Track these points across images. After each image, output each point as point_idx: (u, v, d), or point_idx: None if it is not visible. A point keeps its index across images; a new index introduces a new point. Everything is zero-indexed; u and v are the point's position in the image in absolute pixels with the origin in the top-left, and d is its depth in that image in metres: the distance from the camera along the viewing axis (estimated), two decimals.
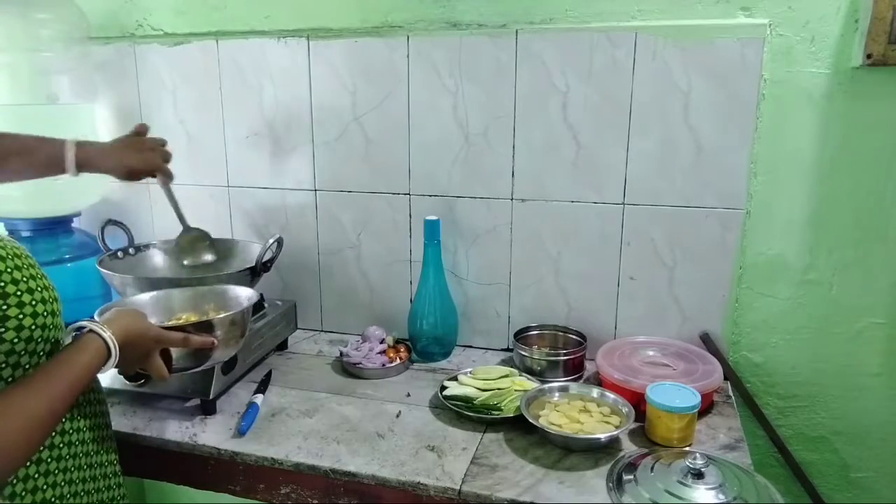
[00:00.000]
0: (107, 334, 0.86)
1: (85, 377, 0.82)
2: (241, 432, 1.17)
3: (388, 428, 1.20)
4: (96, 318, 0.93)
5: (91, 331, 0.87)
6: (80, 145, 1.14)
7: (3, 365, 0.77)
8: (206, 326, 1.09)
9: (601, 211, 1.41)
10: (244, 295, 1.22)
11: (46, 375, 0.77)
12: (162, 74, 1.64)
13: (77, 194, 1.61)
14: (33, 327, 0.79)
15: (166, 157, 1.27)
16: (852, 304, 1.35)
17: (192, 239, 1.41)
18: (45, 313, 0.81)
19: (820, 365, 1.39)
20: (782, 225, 1.35)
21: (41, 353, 0.82)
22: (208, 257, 1.43)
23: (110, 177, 1.21)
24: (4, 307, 0.76)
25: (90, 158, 1.15)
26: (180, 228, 1.39)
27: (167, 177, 1.28)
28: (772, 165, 1.32)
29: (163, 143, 1.28)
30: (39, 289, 0.81)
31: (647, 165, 1.37)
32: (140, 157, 1.23)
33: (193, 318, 1.20)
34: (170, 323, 1.16)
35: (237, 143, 1.62)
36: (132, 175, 1.22)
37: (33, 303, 0.79)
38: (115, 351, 0.86)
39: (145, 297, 1.22)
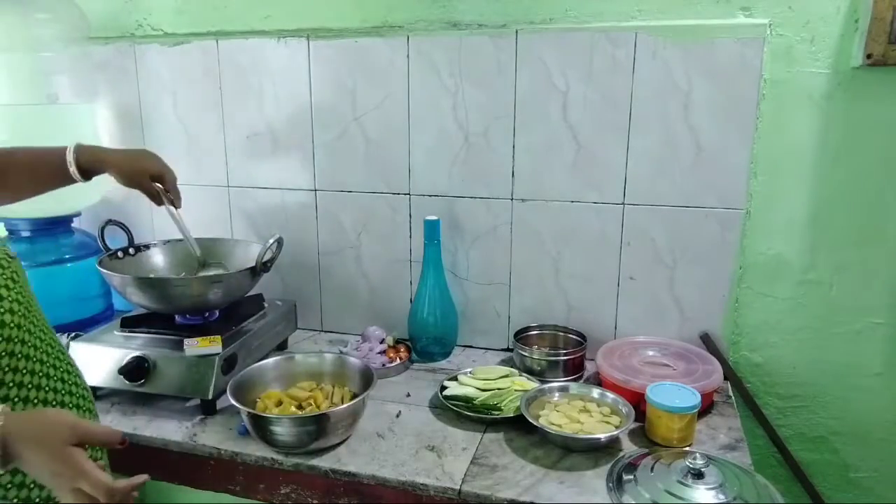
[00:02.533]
0: None
1: None
2: (240, 432, 1.17)
3: (388, 428, 1.20)
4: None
5: None
6: (80, 148, 1.11)
7: None
8: (322, 419, 1.09)
9: (601, 211, 1.41)
10: (361, 370, 1.24)
11: None
12: (162, 74, 1.64)
13: (77, 194, 1.59)
14: None
15: (168, 186, 1.23)
16: (852, 304, 1.35)
17: (210, 268, 1.40)
18: (13, 325, 0.78)
19: (820, 365, 1.39)
20: (782, 225, 1.35)
21: (5, 369, 0.80)
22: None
23: (112, 179, 1.19)
24: None
25: (93, 160, 1.12)
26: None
27: (175, 196, 1.24)
28: (772, 165, 1.32)
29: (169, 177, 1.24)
30: (10, 299, 0.78)
31: (647, 165, 1.37)
32: (146, 159, 1.21)
33: (308, 388, 1.23)
34: (277, 407, 1.18)
35: (237, 143, 1.62)
36: (136, 174, 1.18)
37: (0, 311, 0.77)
38: None
39: (269, 362, 1.26)
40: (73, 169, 1.09)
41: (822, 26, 1.24)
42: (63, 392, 0.92)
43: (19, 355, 0.84)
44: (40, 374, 0.88)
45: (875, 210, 1.30)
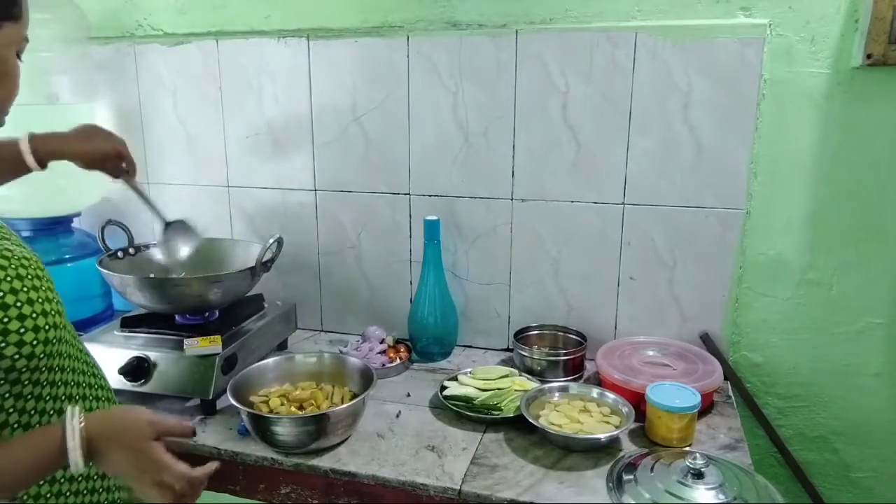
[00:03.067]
0: (75, 420, 0.74)
1: (30, 473, 0.73)
2: (240, 432, 1.17)
3: (388, 428, 1.20)
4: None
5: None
6: (35, 137, 1.07)
7: (2, 381, 0.75)
8: (323, 419, 1.09)
9: (601, 211, 1.41)
10: (361, 370, 1.24)
11: None
12: (162, 74, 1.64)
13: (77, 194, 1.61)
14: (35, 342, 0.76)
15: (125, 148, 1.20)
16: (852, 304, 1.35)
17: (177, 229, 1.35)
18: (47, 326, 0.78)
19: (820, 365, 1.39)
20: (782, 225, 1.35)
21: (43, 369, 0.80)
22: (192, 243, 1.37)
23: (108, 179, 1.18)
24: (6, 320, 0.73)
25: (50, 148, 1.09)
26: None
27: (131, 166, 1.20)
28: (772, 165, 1.32)
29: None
30: (41, 300, 0.78)
31: (647, 165, 1.37)
32: (103, 140, 1.16)
33: (308, 390, 1.23)
34: (282, 405, 1.18)
35: (237, 143, 1.62)
36: (96, 159, 1.15)
37: (34, 315, 0.76)
38: (75, 440, 0.73)
39: (269, 362, 1.26)
40: (29, 159, 1.06)
41: (822, 26, 1.24)
42: (91, 398, 0.92)
43: (56, 368, 0.84)
44: (72, 383, 0.88)
45: (875, 210, 1.30)
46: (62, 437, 0.73)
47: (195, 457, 1.15)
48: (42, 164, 1.08)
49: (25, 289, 0.77)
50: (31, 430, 0.79)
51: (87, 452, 0.74)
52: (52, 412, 0.83)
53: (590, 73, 1.35)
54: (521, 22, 1.39)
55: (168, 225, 1.34)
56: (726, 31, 1.26)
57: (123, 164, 1.19)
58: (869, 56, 1.19)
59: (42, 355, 0.78)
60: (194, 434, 0.88)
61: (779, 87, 1.29)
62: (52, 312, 0.80)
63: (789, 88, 1.28)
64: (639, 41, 1.31)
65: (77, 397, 0.89)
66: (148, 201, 1.28)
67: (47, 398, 0.82)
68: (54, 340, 0.80)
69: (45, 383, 0.82)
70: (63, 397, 0.85)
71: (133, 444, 0.78)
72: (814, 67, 1.26)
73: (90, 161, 1.14)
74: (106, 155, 1.16)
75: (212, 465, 0.86)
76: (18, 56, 0.83)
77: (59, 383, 0.84)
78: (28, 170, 1.08)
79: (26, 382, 0.78)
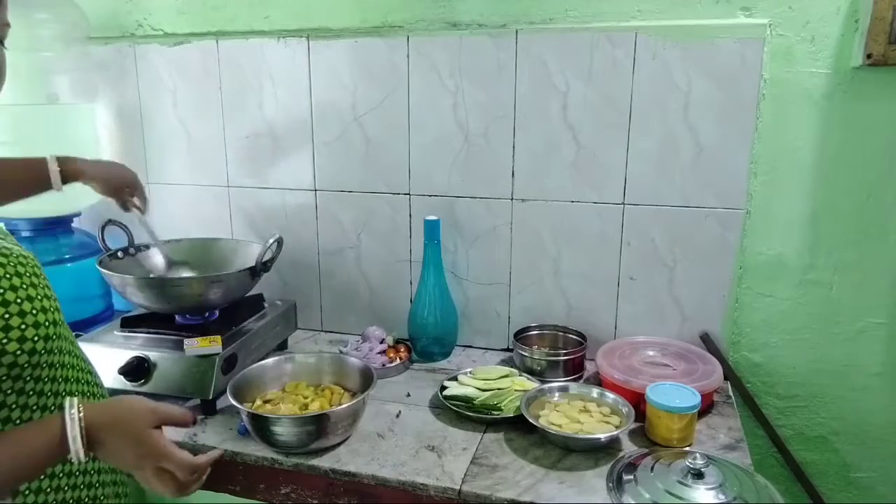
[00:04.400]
0: (73, 411, 0.74)
1: (30, 465, 0.73)
2: (240, 432, 1.17)
3: (388, 428, 1.20)
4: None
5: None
6: (59, 159, 1.18)
7: (4, 377, 0.75)
8: (323, 419, 1.09)
9: (601, 211, 1.41)
10: (361, 370, 1.24)
11: None
12: (162, 74, 1.64)
13: (77, 194, 1.60)
14: (35, 338, 0.76)
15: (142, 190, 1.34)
16: (852, 304, 1.35)
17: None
18: (47, 323, 0.78)
19: (820, 365, 1.39)
20: (782, 225, 1.35)
21: (44, 365, 0.80)
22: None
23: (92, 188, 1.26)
24: (6, 315, 0.73)
25: (73, 169, 1.20)
26: (179, 229, 1.40)
27: (142, 201, 1.34)
28: (772, 165, 1.32)
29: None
30: (40, 297, 0.78)
31: (647, 165, 1.37)
32: (121, 168, 1.31)
33: (307, 387, 1.24)
34: (283, 405, 1.18)
35: (237, 143, 1.62)
36: (113, 185, 1.28)
37: (34, 311, 0.76)
38: (74, 431, 0.73)
39: (269, 362, 1.27)
40: (56, 178, 1.17)
41: (822, 26, 1.24)
42: (88, 394, 0.92)
43: (56, 364, 0.84)
44: (71, 380, 0.88)
45: (875, 210, 1.30)
46: (62, 427, 0.73)
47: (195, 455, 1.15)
48: (62, 184, 1.19)
49: (24, 286, 0.77)
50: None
51: (87, 442, 0.74)
52: (53, 407, 0.83)
53: (590, 73, 1.35)
54: (521, 22, 1.39)
55: (171, 265, 1.44)
56: (726, 31, 1.26)
57: (135, 200, 1.33)
58: (869, 56, 1.19)
59: (43, 351, 0.78)
60: (195, 422, 0.88)
61: (779, 87, 1.29)
62: (51, 309, 0.80)
63: (789, 88, 1.28)
64: (639, 41, 1.31)
65: (76, 393, 0.89)
66: (154, 239, 1.41)
67: (49, 394, 0.83)
68: (54, 336, 0.80)
69: (46, 379, 0.82)
70: (63, 393, 0.85)
71: (133, 433, 0.78)
72: (814, 67, 1.26)
73: (107, 185, 1.27)
74: (124, 181, 1.30)
75: (215, 453, 0.87)
76: (2, 43, 0.83)
77: (60, 379, 0.85)
78: (48, 188, 1.17)
79: (28, 378, 0.79)
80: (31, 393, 0.81)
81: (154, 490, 0.81)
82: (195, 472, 0.82)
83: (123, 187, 1.30)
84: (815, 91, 1.27)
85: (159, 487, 0.80)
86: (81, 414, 0.74)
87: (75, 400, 0.76)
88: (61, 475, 0.84)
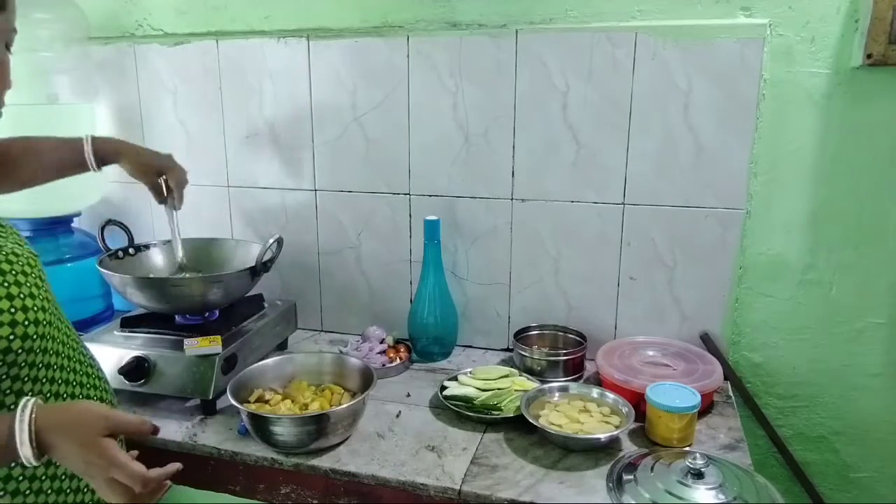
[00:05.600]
0: (24, 413, 0.72)
1: None
2: (240, 432, 1.17)
3: (388, 428, 1.20)
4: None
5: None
6: (96, 140, 1.17)
7: (0, 364, 0.76)
8: (323, 419, 1.09)
9: (601, 211, 1.41)
10: (361, 370, 1.24)
11: None
12: (162, 74, 1.64)
13: (77, 194, 1.61)
14: (11, 337, 0.76)
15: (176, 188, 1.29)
16: (852, 304, 1.35)
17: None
18: (35, 308, 0.79)
19: (820, 365, 1.39)
20: (782, 225, 1.35)
21: (38, 351, 0.81)
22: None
23: (122, 172, 1.24)
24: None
25: (109, 149, 1.18)
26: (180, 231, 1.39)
27: (179, 193, 1.29)
28: (772, 165, 1.32)
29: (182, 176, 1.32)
30: (21, 296, 0.79)
31: (647, 165, 1.37)
32: (157, 153, 1.27)
33: (308, 387, 1.24)
34: (286, 404, 1.18)
35: (237, 143, 1.62)
36: (147, 166, 1.24)
37: (12, 310, 0.77)
38: (21, 438, 0.72)
39: (269, 362, 1.26)
40: (90, 158, 1.15)
41: (822, 26, 1.24)
42: (88, 386, 0.94)
43: (51, 351, 0.85)
44: (67, 369, 0.89)
45: (875, 210, 1.30)
46: (9, 431, 0.72)
47: (195, 457, 1.16)
48: (99, 166, 1.18)
49: (14, 272, 0.79)
50: None
51: (37, 446, 0.72)
52: (48, 395, 0.84)
53: (590, 73, 1.35)
54: (521, 22, 1.39)
55: (182, 269, 1.40)
56: (726, 31, 1.26)
57: (171, 192, 1.28)
58: (869, 56, 1.19)
59: (35, 336, 0.79)
60: (155, 433, 0.82)
61: (779, 87, 1.29)
62: (33, 308, 0.81)
63: (789, 88, 1.28)
64: (639, 41, 1.31)
65: (80, 396, 0.89)
66: (175, 238, 1.37)
67: (48, 395, 0.83)
68: (45, 322, 0.81)
69: (40, 365, 0.83)
70: (60, 381, 0.85)
71: (82, 439, 0.75)
72: (814, 67, 1.26)
73: (140, 167, 1.23)
74: (160, 166, 1.25)
75: (172, 467, 0.82)
76: (8, 48, 0.84)
77: (55, 367, 0.85)
78: (84, 169, 1.17)
79: (23, 365, 0.79)
80: (25, 380, 0.82)
81: (106, 499, 0.77)
82: (147, 484, 0.77)
83: (157, 173, 1.25)
84: (815, 91, 1.27)
85: (111, 498, 0.76)
86: (33, 415, 0.73)
87: (31, 402, 0.74)
88: (21, 479, 0.83)
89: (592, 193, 1.41)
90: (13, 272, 0.80)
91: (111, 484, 0.75)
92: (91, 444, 0.75)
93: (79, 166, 1.17)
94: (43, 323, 0.82)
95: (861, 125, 1.26)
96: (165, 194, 1.27)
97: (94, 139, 1.17)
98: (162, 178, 1.26)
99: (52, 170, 1.17)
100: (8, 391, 0.78)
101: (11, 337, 0.76)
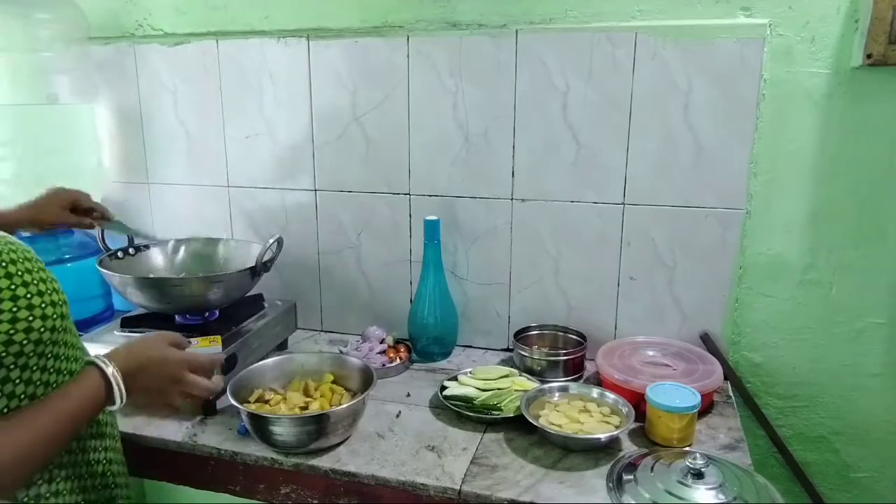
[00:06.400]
0: (109, 369, 0.85)
1: (81, 413, 0.82)
2: (240, 432, 1.17)
3: (388, 428, 1.20)
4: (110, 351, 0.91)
5: (93, 364, 0.86)
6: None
7: (13, 366, 0.77)
8: (323, 419, 1.09)
9: (601, 211, 1.41)
10: (362, 370, 1.24)
11: (41, 409, 0.78)
12: (162, 74, 1.64)
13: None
14: (42, 329, 0.79)
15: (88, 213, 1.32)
16: (852, 304, 1.35)
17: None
18: (55, 316, 0.81)
19: (820, 365, 1.39)
20: (782, 225, 1.35)
21: (49, 356, 0.82)
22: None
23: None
24: (14, 309, 0.76)
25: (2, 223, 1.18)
26: (179, 229, 1.39)
27: (98, 208, 1.33)
28: (772, 165, 1.32)
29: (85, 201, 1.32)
30: (49, 291, 0.81)
31: (647, 165, 1.37)
32: (50, 201, 1.27)
33: (310, 384, 1.24)
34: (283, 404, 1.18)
35: (237, 143, 1.62)
36: (42, 221, 1.27)
37: (42, 305, 0.79)
38: (117, 385, 0.85)
39: (269, 362, 1.27)
40: None
41: (822, 26, 1.24)
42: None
43: (70, 344, 0.87)
44: (80, 359, 0.89)
45: (875, 210, 1.30)
46: (102, 382, 0.84)
47: (195, 458, 1.16)
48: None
49: (35, 281, 0.80)
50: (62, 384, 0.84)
51: (125, 382, 0.85)
52: (54, 384, 0.84)
53: (590, 73, 1.35)
54: (521, 22, 1.39)
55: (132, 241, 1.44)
56: (726, 31, 1.26)
57: (92, 214, 1.32)
58: (869, 56, 1.19)
59: (49, 342, 0.82)
60: (226, 365, 1.03)
61: (779, 87, 1.29)
62: (60, 303, 0.84)
63: (789, 88, 1.28)
64: (639, 41, 1.31)
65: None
66: (133, 231, 1.43)
67: (63, 371, 0.85)
68: (60, 329, 0.84)
69: (62, 357, 0.85)
70: (66, 372, 0.86)
71: (158, 354, 0.93)
72: (814, 67, 1.26)
73: (38, 224, 1.26)
74: (49, 217, 1.27)
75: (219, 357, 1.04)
76: None
77: (64, 358, 0.86)
78: None
79: (34, 368, 0.80)
80: (38, 369, 0.83)
81: (191, 397, 0.96)
82: (214, 362, 0.99)
83: (59, 218, 1.29)
84: (815, 91, 1.27)
85: (195, 391, 0.95)
86: (115, 368, 0.85)
87: (105, 358, 0.86)
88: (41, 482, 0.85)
89: (592, 193, 1.41)
90: (37, 270, 0.82)
91: (185, 395, 0.96)
92: (168, 354, 0.94)
93: None
94: (65, 317, 0.85)
95: (861, 125, 1.26)
96: (90, 220, 1.32)
97: None
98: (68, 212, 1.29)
99: None
100: (38, 382, 0.81)
101: (42, 329, 0.79)
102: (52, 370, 0.83)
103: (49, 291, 0.81)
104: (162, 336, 0.97)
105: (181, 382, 0.94)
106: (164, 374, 0.92)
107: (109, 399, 0.85)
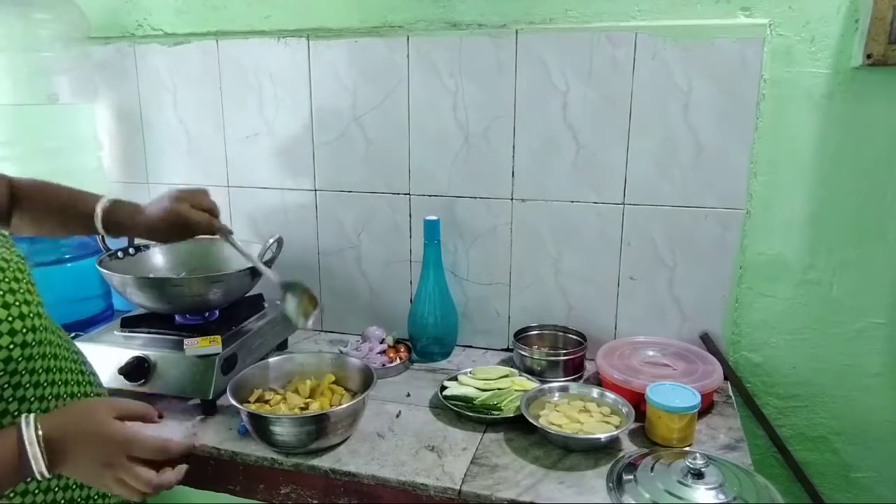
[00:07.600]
0: (29, 432, 0.71)
1: None
2: (240, 432, 1.17)
3: (388, 428, 1.20)
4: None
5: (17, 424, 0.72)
6: (115, 204, 1.04)
7: (2, 373, 0.76)
8: (323, 419, 1.08)
9: (601, 211, 1.41)
10: (362, 370, 1.23)
11: None
12: (162, 74, 1.64)
13: None
14: (24, 330, 0.77)
15: (215, 212, 1.11)
16: (852, 304, 1.35)
17: (300, 293, 1.19)
18: (31, 315, 0.79)
19: (820, 365, 1.39)
20: (782, 225, 1.35)
21: (37, 357, 0.81)
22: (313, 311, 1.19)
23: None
24: None
25: (121, 224, 1.04)
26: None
27: (223, 233, 1.13)
28: (772, 165, 1.32)
29: (207, 197, 1.11)
30: (17, 303, 0.78)
31: (647, 165, 1.37)
32: (175, 204, 1.05)
33: (310, 384, 1.22)
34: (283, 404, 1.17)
35: (237, 143, 1.62)
36: (169, 230, 1.06)
37: (17, 303, 0.77)
38: (32, 455, 0.70)
39: (269, 362, 1.26)
40: (99, 224, 1.03)
41: (822, 26, 1.24)
42: (83, 383, 0.94)
43: (48, 355, 0.85)
44: (65, 370, 0.89)
45: (875, 210, 1.30)
46: (18, 446, 0.70)
47: (195, 457, 1.15)
48: (111, 233, 1.06)
49: (6, 279, 0.78)
50: None
51: (48, 455, 0.71)
52: (50, 398, 0.84)
53: (590, 73, 1.35)
54: (521, 22, 1.39)
55: (287, 286, 1.19)
56: (726, 31, 1.26)
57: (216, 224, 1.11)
58: (869, 56, 1.19)
59: (33, 343, 0.78)
60: (161, 417, 0.81)
61: (779, 87, 1.29)
62: (30, 315, 0.80)
63: (789, 88, 1.28)
64: (639, 41, 1.31)
65: (71, 382, 0.90)
66: (248, 257, 1.19)
67: (44, 384, 0.83)
68: (41, 328, 0.81)
69: (40, 371, 0.83)
70: (59, 382, 0.85)
71: (94, 428, 0.74)
72: (814, 67, 1.26)
73: (163, 234, 1.07)
74: (177, 221, 1.05)
75: (189, 441, 0.83)
76: None
77: (54, 370, 0.85)
78: (96, 232, 1.05)
79: (23, 372, 0.79)
80: (27, 386, 0.81)
81: (128, 489, 0.76)
82: (166, 452, 0.77)
83: (181, 233, 1.07)
84: (815, 91, 1.27)
85: (133, 483, 0.75)
86: (39, 432, 0.71)
87: (31, 418, 0.72)
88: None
89: (592, 193, 1.41)
90: (6, 280, 0.79)
91: (129, 471, 0.75)
92: (106, 430, 0.74)
93: (87, 229, 1.05)
94: (39, 329, 0.82)
95: (861, 125, 1.26)
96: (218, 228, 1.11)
97: (111, 206, 1.03)
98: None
99: (56, 215, 1.05)
100: (11, 399, 0.78)
101: (11, 346, 0.75)
102: (43, 372, 0.81)
103: (18, 303, 0.77)
104: (109, 404, 0.79)
105: (117, 468, 0.75)
106: (97, 455, 0.74)
107: (27, 468, 0.70)
